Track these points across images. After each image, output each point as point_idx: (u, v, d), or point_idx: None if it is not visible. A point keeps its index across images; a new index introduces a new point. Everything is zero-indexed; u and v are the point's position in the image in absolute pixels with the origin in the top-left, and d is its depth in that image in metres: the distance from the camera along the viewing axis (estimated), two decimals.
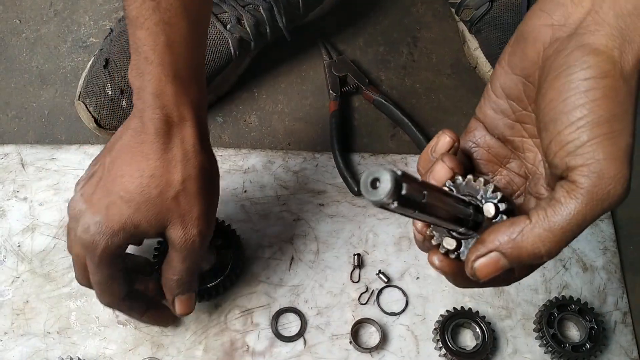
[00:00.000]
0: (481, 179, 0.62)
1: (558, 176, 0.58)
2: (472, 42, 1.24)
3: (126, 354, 0.96)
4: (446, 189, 0.63)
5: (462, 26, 1.27)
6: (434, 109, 1.22)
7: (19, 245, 1.03)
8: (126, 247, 0.81)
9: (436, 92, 1.24)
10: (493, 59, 1.20)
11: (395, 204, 0.50)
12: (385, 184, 0.48)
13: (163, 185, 0.78)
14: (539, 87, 0.61)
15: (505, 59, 0.65)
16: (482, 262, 0.59)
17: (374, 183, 0.49)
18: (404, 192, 0.49)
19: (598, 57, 0.56)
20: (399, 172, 0.49)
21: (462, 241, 0.63)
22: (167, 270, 0.85)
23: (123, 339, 0.97)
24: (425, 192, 0.53)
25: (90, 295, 0.99)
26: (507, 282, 0.67)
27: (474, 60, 1.24)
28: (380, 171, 0.49)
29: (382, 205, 0.50)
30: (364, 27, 1.30)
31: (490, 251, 0.59)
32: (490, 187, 0.62)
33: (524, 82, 0.63)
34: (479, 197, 0.62)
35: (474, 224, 0.61)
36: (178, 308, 0.88)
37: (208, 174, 0.82)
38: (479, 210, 0.61)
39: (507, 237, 0.58)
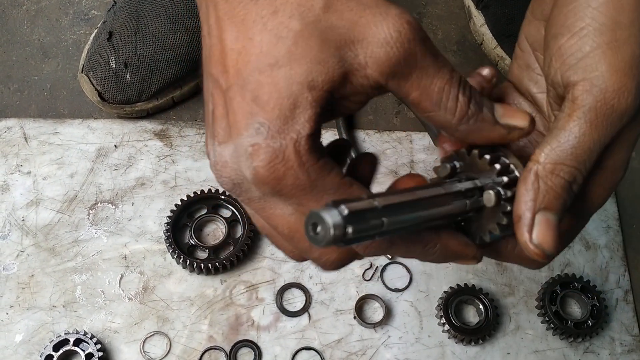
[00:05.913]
0: (487, 157, 0.54)
1: (561, 96, 0.54)
2: (479, 19, 1.23)
3: (132, 327, 0.97)
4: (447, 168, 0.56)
5: (468, 2, 1.25)
6: None
7: (23, 220, 1.03)
8: None
9: None
10: (500, 35, 1.20)
11: (343, 245, 0.43)
12: (324, 231, 0.42)
13: None
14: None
15: (530, 9, 0.62)
16: (537, 232, 0.52)
17: (315, 227, 0.43)
18: (350, 235, 0.43)
19: None
20: (345, 211, 0.42)
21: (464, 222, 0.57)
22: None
23: (129, 313, 0.97)
24: (384, 219, 0.45)
25: (95, 270, 1.00)
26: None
27: (480, 36, 1.23)
28: (321, 213, 0.42)
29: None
30: None
31: (532, 218, 0.52)
32: (496, 169, 0.54)
33: (544, 25, 0.61)
34: (484, 180, 0.54)
35: (474, 210, 0.54)
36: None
37: None
38: (480, 194, 0.54)
39: (531, 193, 0.52)
